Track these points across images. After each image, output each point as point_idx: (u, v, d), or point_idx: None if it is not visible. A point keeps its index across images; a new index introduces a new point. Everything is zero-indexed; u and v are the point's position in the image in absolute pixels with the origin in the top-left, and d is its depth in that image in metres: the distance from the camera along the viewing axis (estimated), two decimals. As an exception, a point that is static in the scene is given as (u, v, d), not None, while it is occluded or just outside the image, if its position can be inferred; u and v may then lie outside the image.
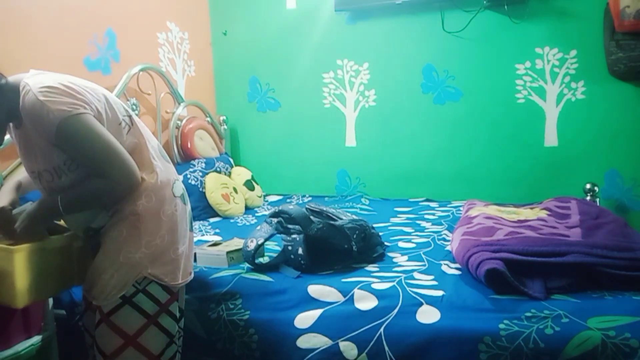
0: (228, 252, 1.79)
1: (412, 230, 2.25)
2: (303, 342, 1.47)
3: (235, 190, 2.84)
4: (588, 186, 2.49)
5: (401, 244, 2.02)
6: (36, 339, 1.54)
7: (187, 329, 1.61)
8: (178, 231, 1.40)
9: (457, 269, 1.68)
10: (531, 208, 2.32)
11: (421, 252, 1.89)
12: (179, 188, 1.44)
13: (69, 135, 1.22)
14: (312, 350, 1.45)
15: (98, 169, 1.27)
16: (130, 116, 1.40)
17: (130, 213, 1.33)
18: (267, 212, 2.71)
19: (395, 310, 1.43)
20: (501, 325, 1.32)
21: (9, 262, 1.29)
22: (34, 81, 1.23)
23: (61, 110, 1.20)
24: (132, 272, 1.32)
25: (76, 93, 1.24)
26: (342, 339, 1.43)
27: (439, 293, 1.47)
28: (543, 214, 2.13)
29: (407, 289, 1.50)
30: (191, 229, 1.49)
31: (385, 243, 1.98)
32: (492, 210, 2.22)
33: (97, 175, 1.28)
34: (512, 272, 1.44)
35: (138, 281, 1.33)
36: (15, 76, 1.30)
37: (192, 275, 1.48)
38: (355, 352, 1.41)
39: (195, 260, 1.83)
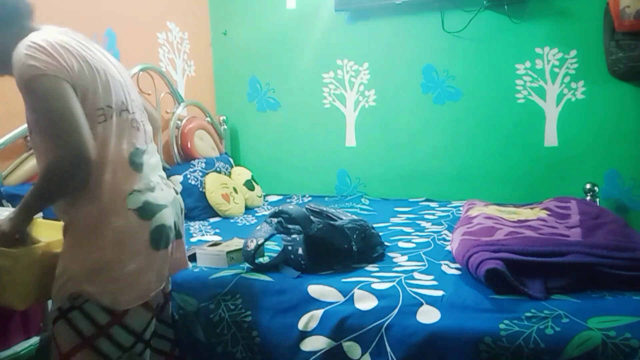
0: (228, 252, 1.79)
1: (412, 230, 2.24)
2: (306, 344, 1.47)
3: (235, 190, 2.84)
4: (588, 186, 2.49)
5: (401, 244, 2.02)
6: (35, 339, 1.54)
7: (184, 333, 1.61)
8: (127, 247, 1.25)
9: (457, 269, 1.67)
10: (531, 208, 2.32)
11: (421, 252, 1.89)
12: (138, 201, 1.28)
13: (33, 93, 1.17)
14: (316, 352, 1.45)
15: (48, 136, 1.19)
16: (121, 112, 1.30)
17: (74, 219, 1.26)
18: (267, 212, 2.71)
19: (396, 310, 1.42)
20: (501, 325, 1.32)
21: (10, 265, 1.29)
22: (35, 35, 1.21)
23: (34, 67, 1.15)
24: (66, 285, 1.23)
25: (59, 56, 1.18)
26: (345, 339, 1.43)
27: (439, 293, 1.47)
28: (543, 214, 2.13)
29: (407, 289, 1.50)
30: (163, 247, 1.32)
31: (385, 243, 1.98)
32: (492, 210, 2.22)
33: (48, 150, 1.20)
34: (512, 272, 1.44)
35: (74, 296, 1.23)
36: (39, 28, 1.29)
37: (157, 296, 1.35)
38: (359, 352, 1.41)
39: (195, 260, 1.83)
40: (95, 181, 1.24)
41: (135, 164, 1.31)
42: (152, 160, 1.39)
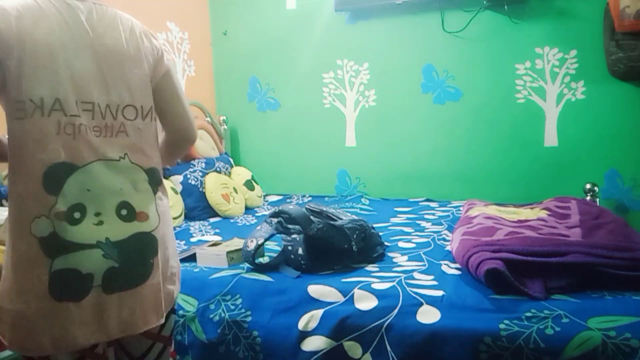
0: (228, 252, 1.79)
1: (412, 230, 2.24)
2: (307, 344, 1.47)
3: (235, 190, 2.84)
4: (588, 186, 2.49)
5: (401, 244, 2.02)
6: (36, 339, 1.53)
7: (185, 334, 1.61)
8: (21, 279, 1.00)
9: (457, 269, 1.67)
10: (531, 208, 2.32)
11: (421, 252, 1.89)
12: (43, 229, 0.99)
13: None
14: (317, 352, 1.45)
15: None
16: (51, 112, 1.00)
17: None
18: (267, 212, 2.71)
19: (396, 311, 1.42)
20: (501, 325, 1.32)
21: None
22: None
23: None
24: None
25: None
26: (345, 339, 1.43)
27: (439, 293, 1.47)
28: (543, 214, 2.13)
29: (407, 289, 1.50)
30: (66, 298, 1.01)
31: (385, 243, 1.98)
32: (492, 210, 2.22)
33: None
34: (512, 272, 1.44)
35: None
36: None
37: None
38: (360, 351, 1.41)
39: (195, 260, 1.84)
40: (11, 188, 1.03)
41: (49, 182, 1.00)
42: (103, 181, 1.06)
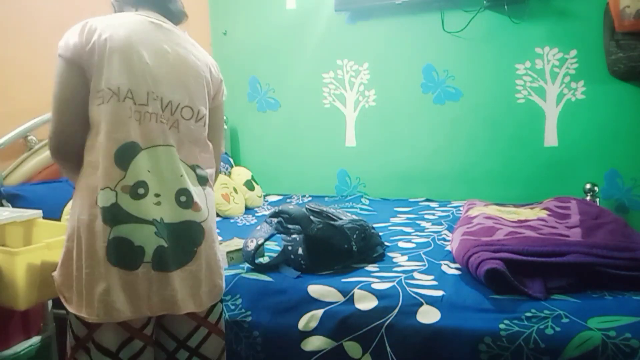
0: (228, 252, 1.79)
1: (412, 230, 2.24)
2: (307, 344, 1.47)
3: (235, 190, 2.84)
4: (588, 186, 2.49)
5: (401, 244, 2.02)
6: (35, 339, 1.54)
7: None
8: (84, 247, 1.12)
9: (457, 269, 1.67)
10: (531, 208, 2.32)
11: (421, 252, 1.89)
12: (107, 200, 1.11)
13: None
14: (317, 352, 1.45)
15: None
16: (125, 99, 1.15)
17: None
18: (267, 212, 2.71)
19: (396, 311, 1.42)
20: (501, 325, 1.32)
21: (10, 264, 1.29)
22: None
23: (58, 46, 1.18)
24: (55, 284, 1.19)
25: (75, 34, 1.17)
26: (346, 339, 1.43)
27: (439, 293, 1.47)
28: (543, 214, 2.13)
29: (407, 289, 1.50)
30: (120, 266, 1.12)
31: (385, 243, 1.98)
32: (492, 210, 2.22)
33: None
34: (512, 272, 1.44)
35: (61, 300, 1.18)
36: None
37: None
38: (360, 351, 1.41)
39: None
40: (85, 163, 1.16)
41: (120, 158, 1.13)
42: (162, 164, 1.18)
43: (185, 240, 1.18)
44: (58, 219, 1.88)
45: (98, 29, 1.16)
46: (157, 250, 1.13)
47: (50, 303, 1.62)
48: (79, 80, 1.15)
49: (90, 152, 1.15)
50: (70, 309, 1.14)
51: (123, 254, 1.11)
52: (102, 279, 1.10)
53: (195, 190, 1.22)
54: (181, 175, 1.19)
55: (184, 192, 1.19)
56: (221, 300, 1.31)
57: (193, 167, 1.24)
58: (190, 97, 1.24)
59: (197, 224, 1.21)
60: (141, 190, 1.14)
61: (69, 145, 1.16)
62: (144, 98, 1.17)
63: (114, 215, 1.11)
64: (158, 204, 1.15)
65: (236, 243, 1.91)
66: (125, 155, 1.13)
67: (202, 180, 1.26)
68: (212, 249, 1.24)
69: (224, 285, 1.29)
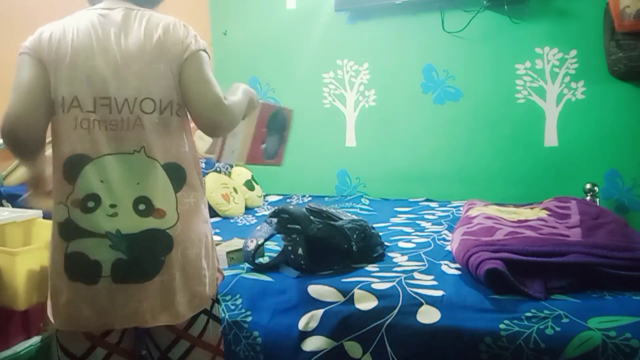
0: (228, 252, 1.79)
1: (412, 230, 2.24)
2: (307, 344, 1.47)
3: (235, 190, 2.84)
4: (588, 186, 2.49)
5: (401, 244, 2.02)
6: (35, 339, 1.54)
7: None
8: (51, 260, 1.15)
9: (457, 269, 1.67)
10: (531, 208, 2.32)
11: (421, 252, 1.89)
12: (61, 215, 1.11)
13: None
14: (318, 352, 1.45)
15: None
16: (70, 109, 1.10)
17: None
18: (267, 212, 2.71)
19: (396, 311, 1.42)
20: (501, 326, 1.32)
21: (10, 264, 1.29)
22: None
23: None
24: None
25: (38, 36, 1.17)
26: (346, 339, 1.43)
27: (439, 293, 1.47)
28: (543, 214, 2.13)
29: (407, 289, 1.50)
30: (79, 281, 1.10)
31: (385, 243, 1.98)
32: (492, 210, 2.22)
33: None
34: (512, 272, 1.44)
35: None
36: None
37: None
38: (360, 351, 1.41)
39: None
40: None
41: (67, 172, 1.11)
42: (116, 174, 1.10)
43: (148, 250, 1.10)
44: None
45: (51, 37, 1.15)
46: (115, 263, 1.08)
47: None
48: (32, 67, 1.12)
49: (55, 160, 1.14)
50: (49, 313, 1.17)
51: (80, 269, 1.09)
52: (64, 292, 1.10)
53: (161, 195, 1.12)
54: (138, 183, 1.11)
55: (143, 199, 1.11)
56: (209, 311, 1.22)
57: (168, 166, 1.14)
58: (147, 87, 1.14)
59: (161, 231, 1.11)
60: (91, 204, 1.08)
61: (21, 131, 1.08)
62: (90, 105, 1.10)
63: (68, 230, 1.09)
64: (114, 215, 1.09)
65: (236, 243, 1.91)
66: (72, 168, 1.10)
67: (177, 180, 1.16)
68: (187, 256, 1.14)
69: (211, 292, 1.20)
